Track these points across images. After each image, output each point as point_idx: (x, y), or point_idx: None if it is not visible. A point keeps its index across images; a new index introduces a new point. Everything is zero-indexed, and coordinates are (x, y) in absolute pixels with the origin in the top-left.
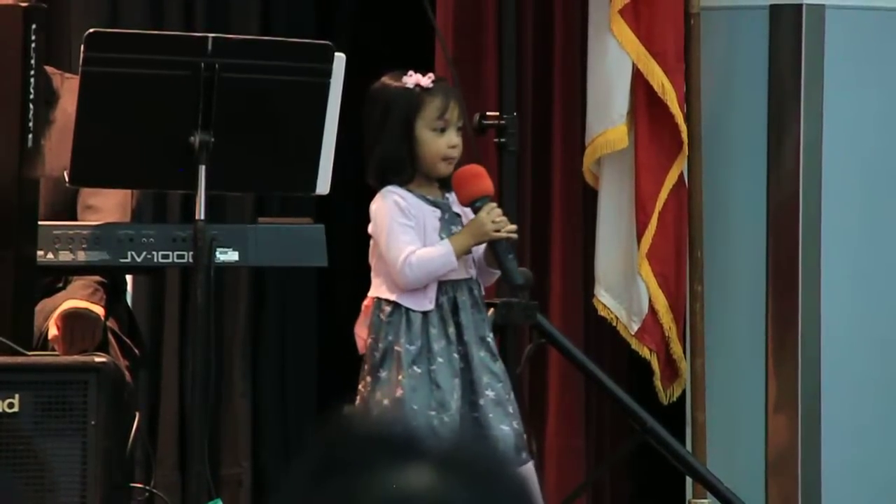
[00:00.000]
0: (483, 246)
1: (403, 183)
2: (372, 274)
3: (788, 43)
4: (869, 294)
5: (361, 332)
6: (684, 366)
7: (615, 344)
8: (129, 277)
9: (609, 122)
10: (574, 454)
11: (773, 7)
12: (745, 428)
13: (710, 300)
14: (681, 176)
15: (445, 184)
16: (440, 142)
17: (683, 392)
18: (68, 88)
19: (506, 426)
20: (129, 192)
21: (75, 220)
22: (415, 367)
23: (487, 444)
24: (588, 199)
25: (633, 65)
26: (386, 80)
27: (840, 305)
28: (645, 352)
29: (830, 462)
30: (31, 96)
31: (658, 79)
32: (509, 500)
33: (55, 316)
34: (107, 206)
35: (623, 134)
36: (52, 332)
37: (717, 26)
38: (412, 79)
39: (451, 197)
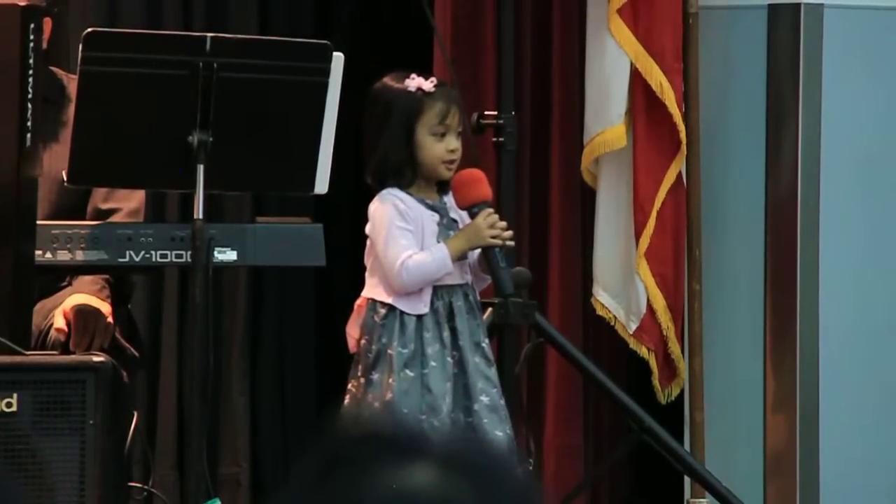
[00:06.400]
0: (477, 252)
1: (403, 186)
2: (367, 274)
3: (787, 42)
4: (867, 293)
5: (353, 332)
6: (682, 365)
7: (613, 343)
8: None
9: (607, 121)
10: (572, 453)
11: (771, 6)
12: (743, 427)
13: (709, 299)
14: (679, 175)
15: (443, 187)
16: (440, 146)
17: (682, 391)
18: (75, 89)
19: (500, 432)
20: (143, 196)
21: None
22: (407, 371)
23: (491, 445)
24: (586, 198)
25: (632, 64)
26: (388, 80)
27: (838, 304)
28: (643, 351)
29: (829, 462)
30: (30, 96)
31: (656, 78)
32: (514, 499)
33: (64, 308)
34: (129, 208)
35: (621, 133)
36: (59, 322)
37: (715, 26)
38: (414, 82)
39: (449, 201)
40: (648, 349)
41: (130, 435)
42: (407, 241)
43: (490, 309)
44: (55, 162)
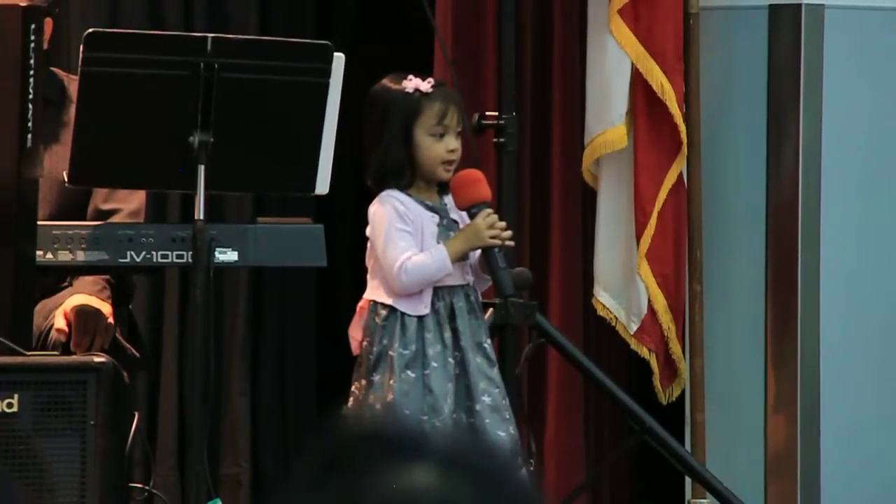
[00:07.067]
0: (478, 252)
1: (403, 187)
2: (368, 276)
3: (788, 43)
4: (868, 294)
5: (355, 334)
6: (683, 366)
7: (614, 344)
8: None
9: (608, 122)
10: (573, 454)
11: (772, 7)
12: (744, 428)
13: (710, 300)
14: (680, 176)
15: (443, 188)
16: (439, 147)
17: (683, 392)
18: (75, 90)
19: (502, 432)
20: (144, 196)
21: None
22: (408, 372)
23: (492, 446)
24: (587, 199)
25: (632, 65)
26: (386, 82)
27: (839, 306)
28: (644, 352)
29: (829, 462)
30: (31, 96)
31: (657, 79)
32: (514, 500)
33: (65, 309)
34: (129, 209)
35: (622, 134)
36: (60, 322)
37: (716, 26)
38: (412, 83)
39: (449, 202)
40: (649, 350)
41: (131, 435)
42: (406, 242)
43: (491, 309)
44: (56, 162)
